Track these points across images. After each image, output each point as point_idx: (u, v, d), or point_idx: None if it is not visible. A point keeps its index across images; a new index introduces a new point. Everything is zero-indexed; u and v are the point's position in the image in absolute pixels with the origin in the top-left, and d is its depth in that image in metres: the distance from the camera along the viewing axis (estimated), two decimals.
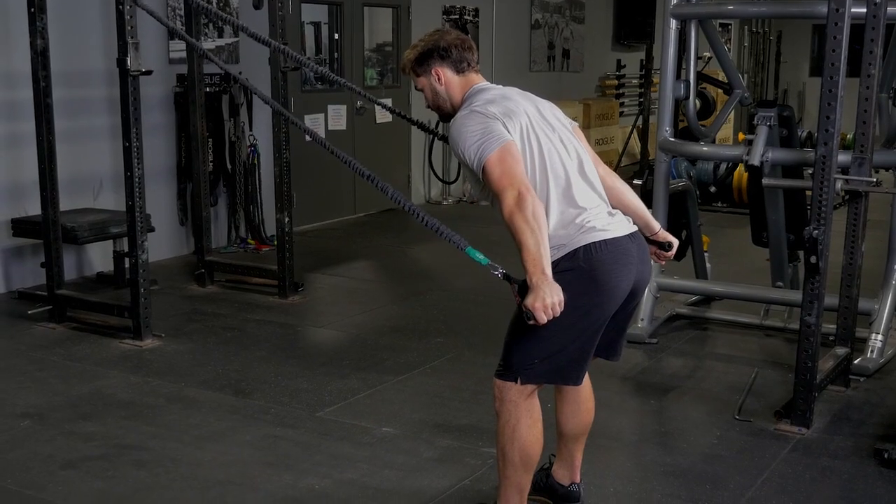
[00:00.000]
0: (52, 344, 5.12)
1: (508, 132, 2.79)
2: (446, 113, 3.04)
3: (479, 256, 2.71)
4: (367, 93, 4.58)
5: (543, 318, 2.59)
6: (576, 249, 2.79)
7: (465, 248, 2.76)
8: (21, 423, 4.06)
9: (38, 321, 5.45)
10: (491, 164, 2.72)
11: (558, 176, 2.85)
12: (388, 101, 8.13)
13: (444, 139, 3.11)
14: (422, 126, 3.88)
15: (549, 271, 2.60)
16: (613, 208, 2.96)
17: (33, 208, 5.77)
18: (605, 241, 2.81)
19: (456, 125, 2.88)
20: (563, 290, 2.65)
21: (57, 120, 5.41)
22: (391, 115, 8.94)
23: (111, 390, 4.45)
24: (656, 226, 3.18)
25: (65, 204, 5.70)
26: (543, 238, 2.62)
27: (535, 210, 2.63)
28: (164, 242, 6.94)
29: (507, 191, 2.67)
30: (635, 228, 2.95)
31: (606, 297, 2.82)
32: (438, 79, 3.03)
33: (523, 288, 2.62)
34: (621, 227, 2.88)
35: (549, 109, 3.02)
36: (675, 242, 3.21)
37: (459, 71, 3.02)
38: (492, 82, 3.09)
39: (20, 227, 5.95)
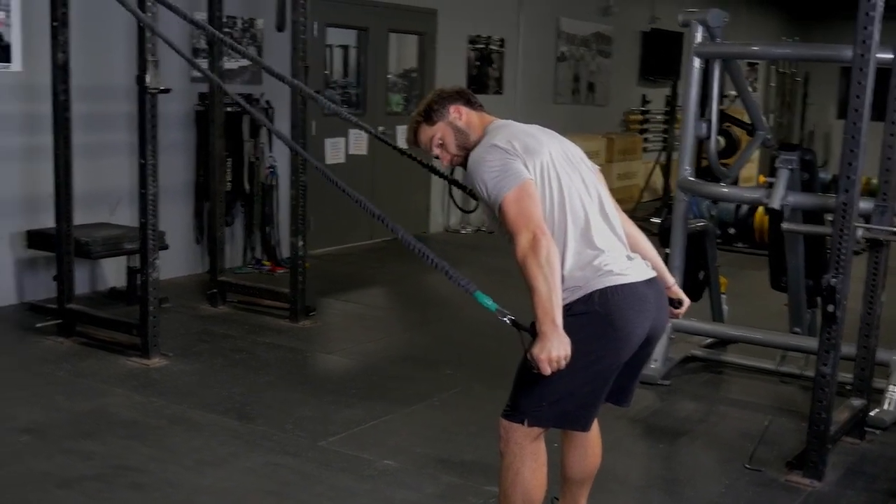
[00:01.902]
0: (59, 358, 5.09)
1: (528, 169, 2.74)
2: (470, 152, 2.92)
3: (488, 302, 2.66)
4: (382, 130, 4.43)
5: (548, 370, 2.56)
6: (591, 293, 2.72)
7: (474, 292, 2.70)
8: (21, 439, 4.02)
9: (47, 335, 5.43)
10: (508, 202, 2.67)
11: (577, 216, 2.79)
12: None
13: (455, 183, 3.05)
14: (411, 156, 3.79)
15: (559, 321, 2.56)
16: (632, 252, 2.90)
17: (49, 221, 5.76)
18: (622, 285, 2.73)
19: (475, 158, 2.82)
20: (577, 333, 2.61)
21: (77, 134, 5.41)
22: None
23: (114, 409, 4.42)
24: (670, 280, 3.09)
25: (81, 218, 5.70)
26: (556, 285, 2.58)
27: (550, 255, 2.58)
28: (178, 260, 6.93)
29: (522, 232, 2.62)
30: (654, 274, 2.87)
31: (621, 343, 2.74)
32: (459, 116, 2.97)
33: (531, 334, 2.59)
34: (639, 271, 2.81)
35: (572, 148, 2.96)
36: (687, 302, 3.13)
37: (474, 108, 3.00)
38: (515, 112, 3.06)
39: (35, 239, 5.95)
